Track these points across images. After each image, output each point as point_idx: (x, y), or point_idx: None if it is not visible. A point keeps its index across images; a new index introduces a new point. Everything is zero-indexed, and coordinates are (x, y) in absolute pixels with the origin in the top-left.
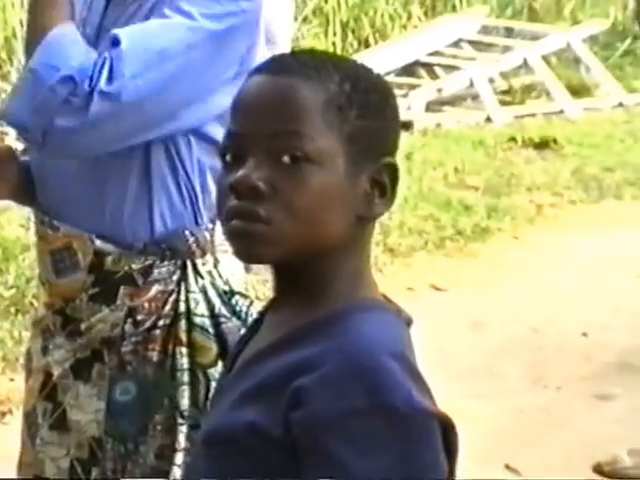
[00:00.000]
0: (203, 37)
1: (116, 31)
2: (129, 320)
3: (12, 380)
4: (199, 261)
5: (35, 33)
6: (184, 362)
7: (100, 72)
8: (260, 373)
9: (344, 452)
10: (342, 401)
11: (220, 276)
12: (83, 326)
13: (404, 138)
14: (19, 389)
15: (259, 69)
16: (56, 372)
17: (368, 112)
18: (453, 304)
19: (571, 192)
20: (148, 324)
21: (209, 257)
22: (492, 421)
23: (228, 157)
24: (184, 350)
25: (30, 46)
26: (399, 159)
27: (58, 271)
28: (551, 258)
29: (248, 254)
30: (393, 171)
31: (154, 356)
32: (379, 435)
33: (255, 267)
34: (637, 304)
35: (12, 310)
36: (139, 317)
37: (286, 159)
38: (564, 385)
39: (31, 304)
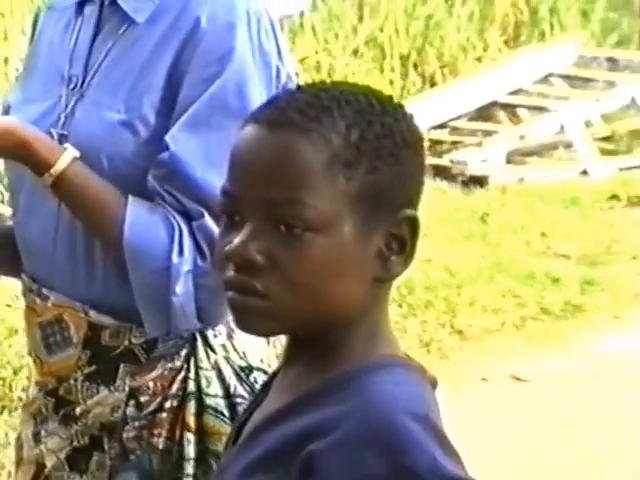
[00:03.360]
0: None
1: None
2: (131, 402)
3: None
4: (210, 333)
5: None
6: (190, 451)
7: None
8: (268, 441)
9: None
10: (358, 467)
11: (235, 350)
12: (79, 410)
13: (479, 196)
14: None
15: (255, 117)
16: (49, 463)
17: (380, 163)
18: (536, 399)
19: None
20: (153, 406)
21: (222, 328)
22: None
23: (224, 217)
24: (191, 437)
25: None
26: (472, 222)
27: (49, 347)
28: None
29: (246, 326)
30: (413, 224)
31: (160, 443)
32: None
33: (275, 339)
34: None
35: None
36: (142, 398)
37: (285, 229)
38: None
39: (20, 399)
